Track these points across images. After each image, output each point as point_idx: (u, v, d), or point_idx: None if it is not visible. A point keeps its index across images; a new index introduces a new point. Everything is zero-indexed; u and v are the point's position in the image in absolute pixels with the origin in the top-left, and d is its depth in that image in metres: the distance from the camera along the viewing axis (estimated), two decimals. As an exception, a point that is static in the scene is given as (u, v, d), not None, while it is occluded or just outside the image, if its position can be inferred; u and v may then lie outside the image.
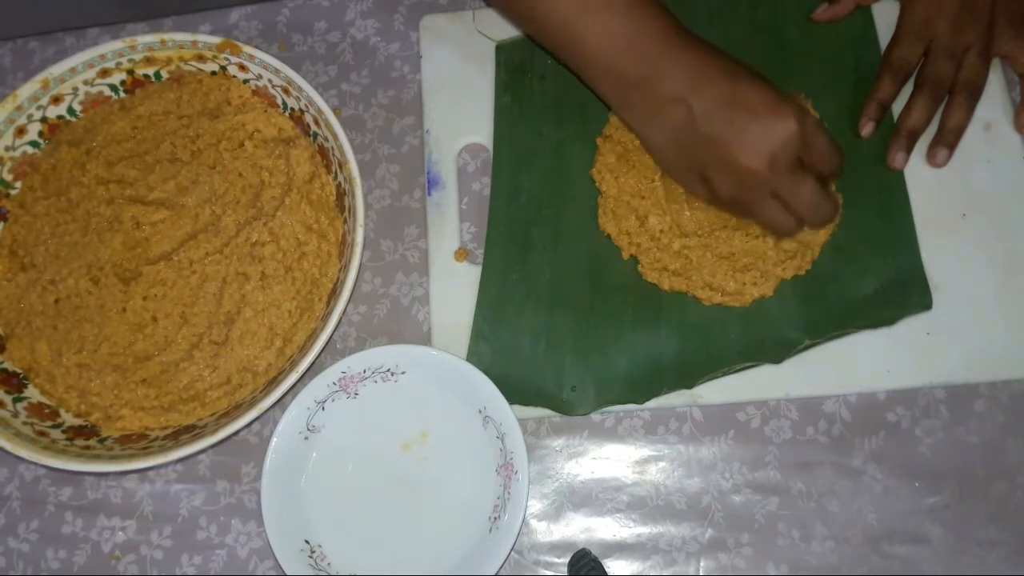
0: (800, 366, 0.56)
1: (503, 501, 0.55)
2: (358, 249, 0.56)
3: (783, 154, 0.50)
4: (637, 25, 0.52)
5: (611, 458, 0.58)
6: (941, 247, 0.58)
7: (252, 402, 0.55)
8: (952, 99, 0.60)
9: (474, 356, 0.58)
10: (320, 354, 0.55)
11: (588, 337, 0.58)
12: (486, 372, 0.56)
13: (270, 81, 0.61)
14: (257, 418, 0.54)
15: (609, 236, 0.59)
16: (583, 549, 0.56)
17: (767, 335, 0.57)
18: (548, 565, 0.56)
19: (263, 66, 0.60)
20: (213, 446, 0.55)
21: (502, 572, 0.55)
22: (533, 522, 0.57)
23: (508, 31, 0.65)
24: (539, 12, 0.53)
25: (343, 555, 0.56)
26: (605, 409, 0.57)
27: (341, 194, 0.60)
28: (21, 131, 0.62)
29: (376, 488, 0.57)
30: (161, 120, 0.62)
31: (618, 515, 0.57)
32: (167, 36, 0.61)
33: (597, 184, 0.60)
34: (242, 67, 0.61)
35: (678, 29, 0.53)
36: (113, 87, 0.63)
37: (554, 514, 0.57)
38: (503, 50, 0.65)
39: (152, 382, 0.57)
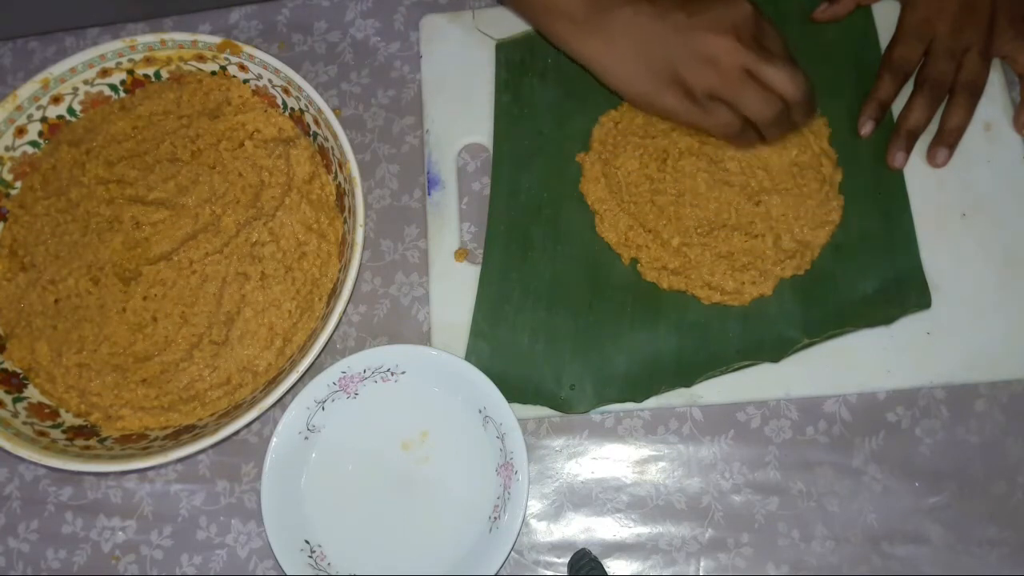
0: (800, 366, 0.56)
1: (503, 501, 0.55)
2: (358, 249, 0.56)
3: (746, 26, 0.52)
4: None
5: (611, 458, 0.58)
6: (941, 247, 0.58)
7: (252, 402, 0.55)
8: (952, 99, 0.59)
9: (472, 354, 0.58)
10: (320, 354, 0.55)
11: (587, 335, 0.58)
12: (484, 370, 0.56)
13: (270, 81, 0.61)
14: (257, 418, 0.54)
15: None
16: (583, 549, 0.56)
17: (766, 334, 0.57)
18: (548, 565, 0.56)
19: (263, 66, 0.60)
20: (213, 446, 0.55)
21: (502, 572, 0.55)
22: (533, 522, 0.57)
23: (508, 30, 0.65)
24: None
25: (343, 555, 0.56)
26: (605, 409, 0.57)
27: (341, 194, 0.60)
28: (21, 131, 0.62)
29: (376, 488, 0.57)
30: (161, 120, 0.62)
31: (618, 515, 0.57)
32: (167, 36, 0.61)
33: (588, 202, 0.60)
34: (242, 67, 0.61)
35: None
36: (113, 87, 0.63)
37: (554, 514, 0.57)
38: (503, 48, 0.65)
39: (152, 382, 0.57)
